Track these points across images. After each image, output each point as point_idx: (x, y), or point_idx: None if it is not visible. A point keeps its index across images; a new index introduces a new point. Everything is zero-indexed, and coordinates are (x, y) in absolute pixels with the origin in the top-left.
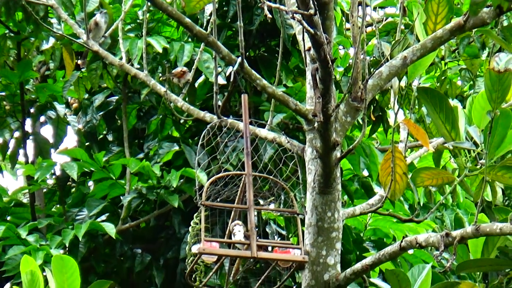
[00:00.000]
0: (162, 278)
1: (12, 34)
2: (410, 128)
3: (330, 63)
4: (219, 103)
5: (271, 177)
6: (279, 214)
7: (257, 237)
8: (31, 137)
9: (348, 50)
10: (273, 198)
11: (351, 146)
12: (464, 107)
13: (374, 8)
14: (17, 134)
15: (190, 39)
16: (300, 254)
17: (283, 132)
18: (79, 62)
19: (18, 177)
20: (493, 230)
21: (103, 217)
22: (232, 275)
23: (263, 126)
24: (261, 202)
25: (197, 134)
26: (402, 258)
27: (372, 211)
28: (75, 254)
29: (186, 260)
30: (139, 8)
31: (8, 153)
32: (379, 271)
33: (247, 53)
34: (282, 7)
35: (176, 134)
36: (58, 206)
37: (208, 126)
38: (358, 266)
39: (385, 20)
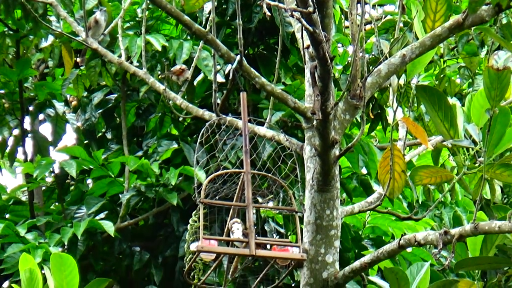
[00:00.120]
0: (160, 276)
1: (11, 32)
2: (409, 126)
3: (329, 61)
4: (218, 101)
5: (269, 175)
6: (277, 212)
7: (256, 235)
8: (30, 135)
9: (347, 48)
10: (272, 196)
11: (350, 144)
12: (463, 105)
13: (373, 6)
14: (16, 132)
15: (189, 37)
16: (298, 252)
17: (281, 130)
18: (78, 60)
19: (17, 175)
20: (491, 228)
21: (102, 215)
22: (230, 273)
23: (262, 124)
24: (260, 200)
25: (196, 132)
26: (401, 256)
27: (371, 209)
28: (73, 252)
29: (185, 258)
30: (138, 6)
31: (7, 151)
32: (378, 269)
33: (246, 51)
34: (281, 5)
35: (175, 132)
36: (57, 204)
37: (207, 124)
38: (356, 264)
39: (384, 18)
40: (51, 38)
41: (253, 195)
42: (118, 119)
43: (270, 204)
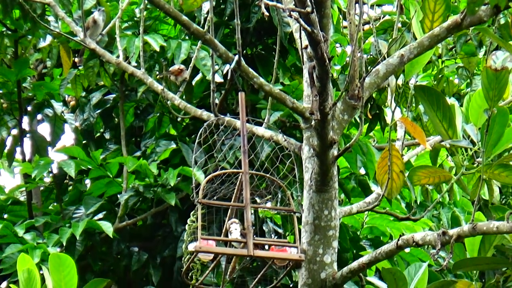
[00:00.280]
0: (159, 276)
1: (10, 32)
2: (407, 126)
3: (327, 61)
4: (216, 101)
5: (268, 175)
6: (276, 212)
7: (254, 235)
8: (28, 135)
9: (345, 48)
10: (270, 196)
11: (348, 144)
12: (461, 105)
13: (371, 6)
14: (14, 132)
15: (187, 37)
16: (296, 252)
17: (280, 130)
18: (76, 60)
19: (15, 175)
20: (490, 228)
21: (100, 215)
22: (228, 273)
23: (260, 124)
24: (258, 200)
25: (194, 132)
26: (399, 257)
27: (369, 209)
28: (72, 252)
29: (183, 258)
30: (136, 6)
31: (5, 151)
32: (376, 270)
33: (244, 51)
34: (279, 5)
35: (173, 132)
36: (55, 204)
37: (205, 124)
38: (354, 264)
39: (382, 18)
40: (49, 38)
41: (251, 196)
42: (116, 119)
43: (268, 204)
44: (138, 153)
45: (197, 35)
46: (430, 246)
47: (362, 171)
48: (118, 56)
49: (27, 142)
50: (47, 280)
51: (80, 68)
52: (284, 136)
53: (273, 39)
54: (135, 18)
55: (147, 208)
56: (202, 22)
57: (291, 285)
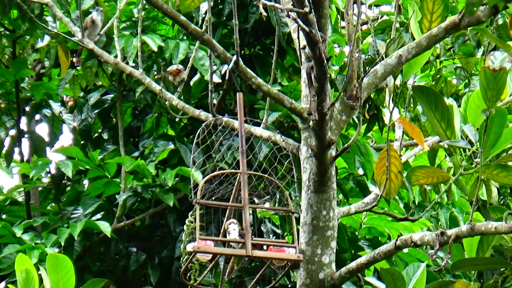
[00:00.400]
0: (157, 276)
1: (7, 32)
2: (405, 127)
3: (325, 61)
4: (214, 101)
5: (266, 175)
6: (274, 212)
7: (252, 236)
8: (26, 135)
9: (343, 48)
10: (268, 196)
11: (346, 145)
12: (459, 106)
13: (369, 6)
14: (12, 132)
15: (185, 37)
16: (295, 252)
17: (278, 130)
18: (74, 60)
19: (13, 175)
20: (488, 229)
21: (98, 216)
22: (227, 273)
23: (258, 124)
24: (256, 200)
25: (192, 133)
26: (397, 257)
27: (367, 209)
28: (70, 252)
29: (181, 259)
30: (134, 6)
31: (4, 151)
32: (374, 270)
33: (242, 51)
34: (277, 5)
35: (171, 132)
36: (53, 204)
37: (203, 124)
38: (353, 265)
39: (380, 18)
40: (47, 38)
41: (249, 196)
42: (114, 119)
43: (267, 204)
44: (136, 154)
45: (195, 35)
46: (428, 246)
47: (360, 171)
48: (116, 56)
49: (25, 143)
50: (45, 280)
51: (78, 68)
52: (282, 137)
53: (271, 39)
54: (133, 18)
55: (145, 208)
56: (200, 22)
57: (289, 286)
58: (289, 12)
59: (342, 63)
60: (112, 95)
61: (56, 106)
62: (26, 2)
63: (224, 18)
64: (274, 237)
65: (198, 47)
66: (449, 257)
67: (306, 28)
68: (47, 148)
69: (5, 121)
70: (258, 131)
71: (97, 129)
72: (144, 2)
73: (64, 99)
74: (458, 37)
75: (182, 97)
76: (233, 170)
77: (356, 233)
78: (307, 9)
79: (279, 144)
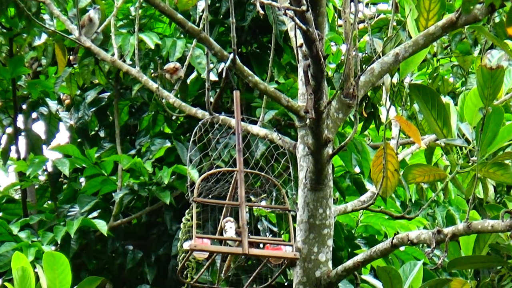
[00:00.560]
0: (153, 274)
1: (4, 30)
2: (402, 125)
3: (322, 59)
4: (211, 99)
5: (262, 173)
6: (270, 211)
7: (249, 234)
8: (23, 133)
9: (340, 47)
10: (265, 194)
11: (343, 143)
12: (456, 104)
13: (366, 5)
14: (9, 130)
15: (182, 35)
16: (291, 251)
17: (275, 128)
18: (71, 58)
19: (9, 173)
20: (484, 227)
21: (95, 214)
22: (223, 271)
23: (255, 122)
24: (253, 198)
25: (189, 131)
26: (394, 255)
27: (364, 208)
28: (66, 250)
29: (178, 257)
30: (131, 4)
31: (0, 149)
32: (371, 268)
33: (239, 50)
34: (274, 3)
35: (168, 130)
36: (49, 202)
37: (200, 122)
38: (349, 263)
39: (377, 17)
40: (44, 37)
41: (246, 194)
42: (111, 117)
43: (263, 203)
44: (133, 152)
45: (192, 33)
46: (425, 244)
47: (357, 169)
48: (113, 54)
49: (22, 141)
50: (41, 278)
51: (75, 66)
52: (279, 135)
53: (268, 38)
54: (130, 16)
55: (142, 206)
56: (197, 21)
57: (286, 284)
58: (286, 10)
59: (339, 61)
60: (109, 93)
61: (53, 104)
62: (23, 0)
63: (221, 16)
64: (271, 235)
65: (195, 45)
66: (446, 255)
67: (303, 26)
68: (44, 146)
69: (2, 119)
70: (255, 129)
71: (94, 127)
72: (141, 0)
73: (61, 97)
74: (455, 36)
75: (178, 95)
76: (230, 168)
77: (353, 231)
78: (304, 7)
79: (276, 142)
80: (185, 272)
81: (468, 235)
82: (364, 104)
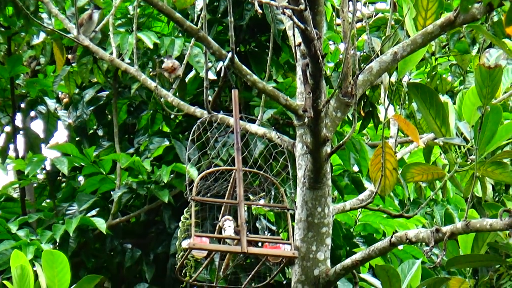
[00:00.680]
0: (152, 273)
1: (3, 29)
2: (400, 124)
3: (320, 58)
4: (210, 98)
5: (261, 172)
6: (269, 209)
7: (247, 233)
8: (21, 132)
9: (338, 46)
10: (263, 193)
11: (341, 142)
12: (454, 103)
13: (365, 4)
14: (7, 128)
15: (180, 34)
16: (290, 249)
17: (273, 127)
18: (69, 56)
19: (8, 171)
20: (483, 226)
21: (94, 212)
22: (222, 270)
23: (253, 121)
24: (251, 197)
25: (187, 129)
26: (392, 254)
27: (362, 206)
28: (65, 249)
29: (176, 255)
30: (129, 3)
31: None
32: (369, 267)
33: (238, 48)
34: (272, 2)
35: (166, 129)
36: (48, 201)
37: (199, 121)
38: (348, 261)
39: (375, 16)
40: (42, 35)
41: (244, 193)
42: (109, 116)
43: (262, 201)
44: (131, 150)
45: (191, 32)
46: (423, 243)
47: (355, 168)
48: (111, 53)
49: (20, 139)
50: (40, 276)
51: (73, 65)
52: (277, 134)
53: (266, 37)
54: (129, 15)
55: (141, 205)
56: (195, 20)
57: (284, 282)
58: (285, 9)
59: (337, 60)
60: (107, 92)
61: (51, 103)
62: None
63: (220, 15)
64: (269, 233)
65: (194, 44)
66: (444, 254)
67: (302, 25)
68: (42, 145)
69: (0, 118)
70: (253, 128)
71: (92, 125)
72: None
73: (59, 96)
74: (453, 35)
75: (177, 94)
76: (229, 167)
77: (351, 230)
78: (302, 6)
79: (274, 141)
80: (183, 271)
81: (466, 233)
82: (362, 103)
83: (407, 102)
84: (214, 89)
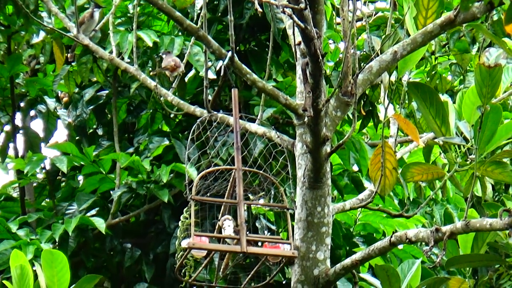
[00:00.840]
0: (152, 272)
1: (2, 28)
2: (400, 123)
3: (320, 57)
4: (209, 97)
5: (261, 171)
6: (269, 209)
7: (247, 232)
8: (21, 131)
9: (338, 45)
10: (263, 193)
11: (341, 141)
12: (454, 102)
13: (365, 3)
14: (7, 128)
15: (180, 33)
16: (290, 249)
17: (273, 126)
18: (68, 55)
19: (8, 171)
20: (483, 225)
21: (93, 212)
22: (221, 270)
23: (253, 120)
24: (251, 197)
25: (187, 129)
26: (392, 254)
27: (362, 206)
28: (65, 248)
29: (176, 255)
30: (129, 2)
31: None
32: (369, 266)
33: (237, 48)
34: (272, 1)
35: (166, 128)
36: (48, 200)
37: (198, 120)
38: (348, 261)
39: (375, 15)
40: (42, 34)
41: (244, 192)
42: (109, 115)
43: (261, 201)
44: (131, 150)
45: (191, 31)
46: (423, 243)
47: (355, 168)
48: (111, 52)
49: (20, 138)
50: (39, 276)
51: (73, 64)
52: (277, 133)
53: (266, 36)
54: (128, 14)
55: (140, 204)
56: (195, 18)
57: (284, 282)
58: (285, 8)
59: (337, 59)
60: (107, 91)
61: (51, 102)
62: None
63: (219, 14)
64: (269, 233)
65: (193, 43)
66: (444, 253)
67: (302, 24)
68: (42, 144)
69: (0, 117)
70: (253, 127)
71: (92, 125)
72: None
73: (59, 95)
74: (453, 34)
75: (177, 93)
76: (228, 166)
77: (351, 229)
78: (302, 5)
79: (274, 140)
80: (183, 270)
81: (466, 233)
82: (362, 102)
83: (407, 102)
84: (214, 88)
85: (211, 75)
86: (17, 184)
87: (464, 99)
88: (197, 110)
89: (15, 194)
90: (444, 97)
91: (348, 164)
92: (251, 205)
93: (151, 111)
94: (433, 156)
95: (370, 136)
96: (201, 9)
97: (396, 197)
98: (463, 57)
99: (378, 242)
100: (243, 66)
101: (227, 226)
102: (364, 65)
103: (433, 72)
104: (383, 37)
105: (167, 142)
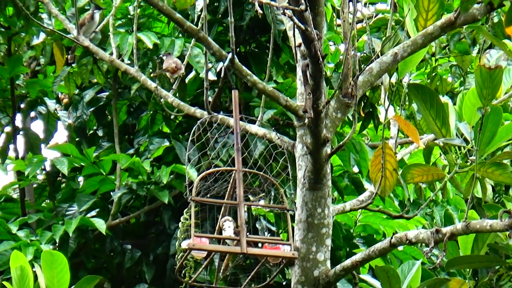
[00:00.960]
0: (152, 273)
1: (3, 29)
2: (400, 125)
3: (321, 59)
4: (210, 99)
5: (261, 173)
6: (269, 210)
7: (247, 233)
8: (21, 132)
9: (338, 46)
10: (263, 194)
11: (341, 142)
12: (454, 104)
13: (365, 4)
14: (7, 129)
15: (180, 35)
16: (290, 250)
17: (273, 128)
18: (68, 57)
19: (8, 172)
20: (483, 227)
21: (93, 213)
22: (221, 271)
23: (253, 122)
24: (251, 198)
25: (187, 130)
26: (392, 255)
27: (362, 207)
28: (65, 249)
29: (176, 256)
30: (129, 3)
31: None
32: (369, 268)
33: (238, 49)
34: (273, 2)
35: (166, 130)
36: (48, 201)
37: (199, 122)
38: (348, 262)
39: (375, 16)
40: (42, 36)
41: (244, 193)
42: (109, 116)
43: (262, 202)
44: (131, 151)
45: (191, 33)
46: (423, 244)
47: (355, 169)
48: (111, 54)
49: (20, 140)
50: (39, 277)
51: (73, 65)
52: (278, 134)
53: (266, 37)
54: (129, 16)
55: (140, 205)
56: (195, 20)
57: (284, 283)
58: (285, 10)
59: (338, 61)
60: (107, 93)
61: (51, 103)
62: None
63: (220, 15)
64: (269, 234)
65: (194, 44)
66: (444, 254)
67: (302, 26)
68: (42, 145)
69: (0, 118)
70: (254, 128)
71: (92, 126)
72: None
73: (59, 96)
74: (454, 35)
75: (177, 95)
76: (228, 168)
77: (351, 230)
78: (302, 7)
79: (274, 142)
80: (183, 271)
81: (466, 234)
82: (362, 103)
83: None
84: (214, 89)
85: (212, 76)
86: (17, 185)
87: (464, 101)
88: (198, 112)
89: (15, 195)
90: (444, 99)
91: (349, 165)
92: (251, 206)
93: (151, 112)
94: (433, 158)
95: (370, 137)
96: (201, 10)
97: (396, 198)
98: (463, 59)
99: (378, 243)
100: (244, 67)
101: (227, 227)
102: (365, 66)
103: (433, 74)
104: (383, 38)
105: (167, 144)
